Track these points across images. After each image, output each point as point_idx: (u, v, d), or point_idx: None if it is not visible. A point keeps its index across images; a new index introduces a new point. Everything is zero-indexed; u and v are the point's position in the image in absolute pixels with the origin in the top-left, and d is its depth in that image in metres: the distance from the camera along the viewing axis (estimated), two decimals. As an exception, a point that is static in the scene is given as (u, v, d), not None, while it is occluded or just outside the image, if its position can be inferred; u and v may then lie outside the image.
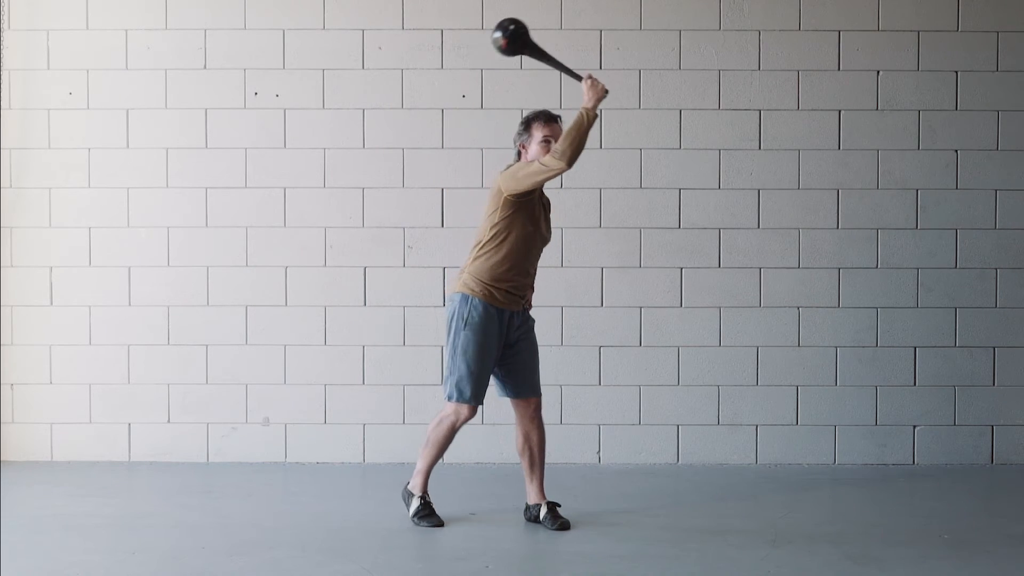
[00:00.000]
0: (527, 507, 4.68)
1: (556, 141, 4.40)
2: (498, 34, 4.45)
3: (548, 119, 4.51)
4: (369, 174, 5.76)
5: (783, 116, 5.75)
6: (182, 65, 5.77)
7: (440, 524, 4.59)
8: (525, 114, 4.61)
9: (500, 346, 4.54)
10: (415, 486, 4.68)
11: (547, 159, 4.34)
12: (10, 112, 5.78)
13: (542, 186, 4.47)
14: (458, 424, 4.58)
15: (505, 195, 4.43)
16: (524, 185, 4.39)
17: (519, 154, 4.55)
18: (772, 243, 5.75)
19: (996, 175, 5.75)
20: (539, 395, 4.65)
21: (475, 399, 4.52)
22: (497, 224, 4.46)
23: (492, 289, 4.48)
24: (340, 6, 5.77)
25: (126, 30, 5.78)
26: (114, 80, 5.78)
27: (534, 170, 4.37)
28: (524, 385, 4.61)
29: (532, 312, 4.70)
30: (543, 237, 4.59)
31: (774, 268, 5.76)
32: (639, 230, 5.74)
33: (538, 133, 4.49)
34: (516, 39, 4.46)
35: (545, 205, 4.63)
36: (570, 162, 4.30)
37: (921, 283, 5.75)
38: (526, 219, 4.48)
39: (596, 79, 4.39)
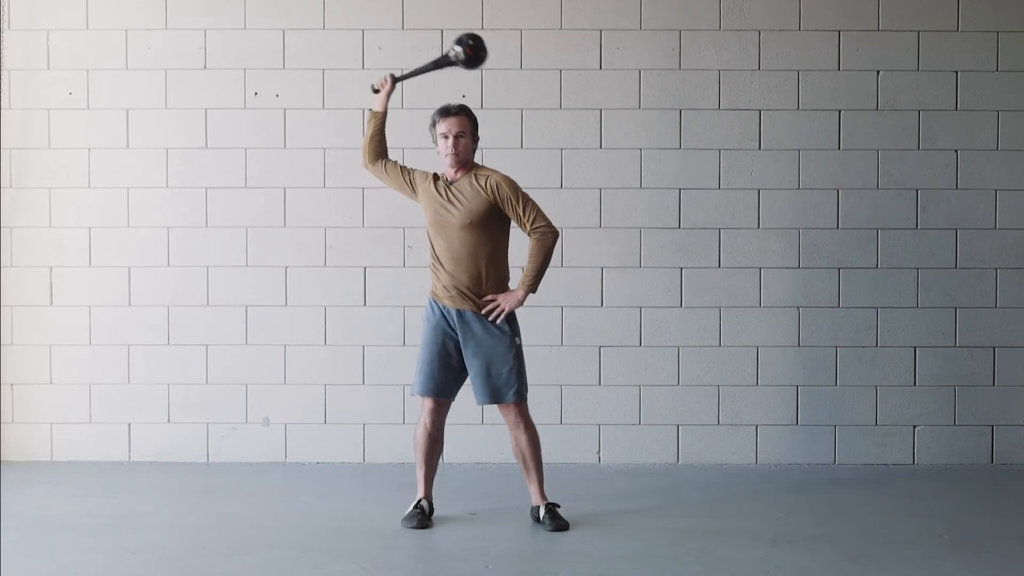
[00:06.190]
0: (532, 507, 4.68)
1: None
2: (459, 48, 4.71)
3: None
4: (369, 174, 5.75)
5: (783, 116, 5.75)
6: (182, 65, 5.77)
7: (425, 526, 4.59)
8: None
9: (441, 340, 4.57)
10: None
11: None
12: (10, 112, 5.78)
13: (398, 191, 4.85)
14: (425, 420, 4.61)
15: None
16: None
17: None
18: (772, 243, 5.75)
19: (996, 175, 5.75)
20: (502, 402, 4.55)
21: (421, 389, 4.58)
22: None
23: (432, 281, 4.65)
24: (340, 6, 5.77)
25: (126, 30, 5.78)
26: (114, 80, 5.78)
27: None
28: (478, 392, 4.57)
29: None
30: (448, 225, 4.56)
31: (774, 268, 5.76)
32: (639, 230, 5.74)
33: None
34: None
35: (454, 195, 4.60)
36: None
37: (921, 283, 5.75)
38: (428, 212, 4.65)
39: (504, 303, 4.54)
